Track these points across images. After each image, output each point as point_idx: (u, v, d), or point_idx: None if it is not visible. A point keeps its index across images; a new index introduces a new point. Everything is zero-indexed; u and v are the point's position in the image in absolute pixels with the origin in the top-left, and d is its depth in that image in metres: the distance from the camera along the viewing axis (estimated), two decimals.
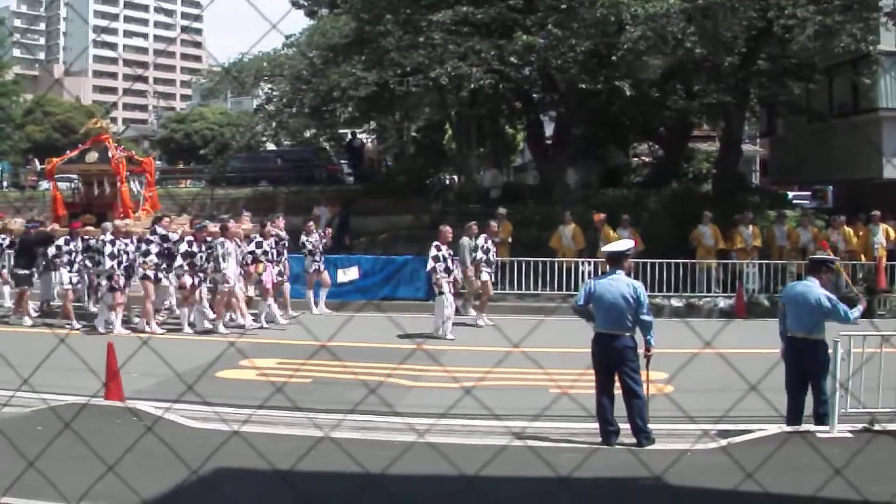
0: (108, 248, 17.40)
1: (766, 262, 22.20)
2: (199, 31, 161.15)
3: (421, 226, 27.34)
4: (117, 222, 18.41)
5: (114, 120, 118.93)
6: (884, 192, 24.92)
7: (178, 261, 17.62)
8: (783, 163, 34.17)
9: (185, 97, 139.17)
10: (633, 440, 9.30)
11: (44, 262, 19.05)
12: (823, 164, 29.07)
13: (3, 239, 19.71)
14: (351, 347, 14.78)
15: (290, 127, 39.11)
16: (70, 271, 18.38)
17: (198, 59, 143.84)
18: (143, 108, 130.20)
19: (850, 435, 9.41)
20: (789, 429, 9.56)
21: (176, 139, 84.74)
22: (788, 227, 23.24)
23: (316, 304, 20.55)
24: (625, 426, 9.43)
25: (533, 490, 8.01)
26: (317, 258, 20.43)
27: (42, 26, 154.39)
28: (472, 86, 24.50)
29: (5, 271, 19.77)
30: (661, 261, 21.21)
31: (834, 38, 22.43)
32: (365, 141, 48.21)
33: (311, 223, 21.05)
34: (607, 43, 22.83)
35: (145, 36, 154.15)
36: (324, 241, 20.74)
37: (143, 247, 17.75)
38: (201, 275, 17.69)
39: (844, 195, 31.76)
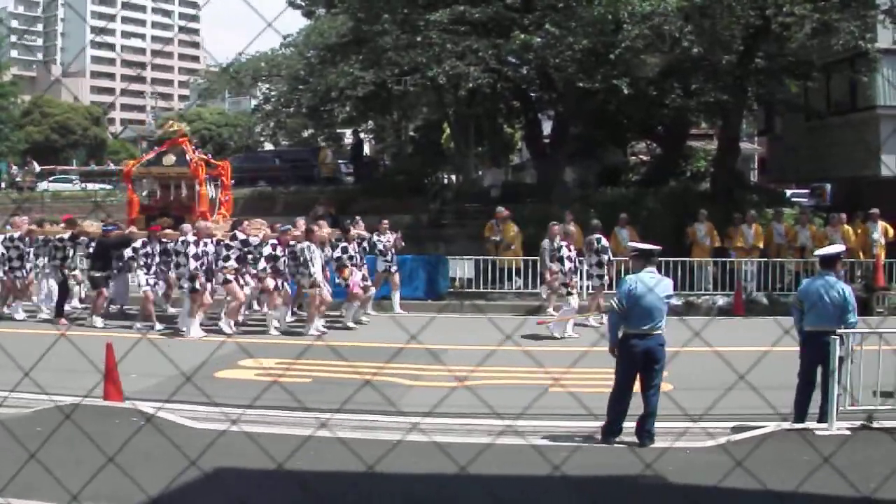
0: (191, 249, 17.18)
1: (765, 260, 22.23)
2: (196, 31, 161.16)
3: (419, 225, 27.37)
4: (201, 223, 18.11)
5: (111, 121, 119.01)
6: (882, 189, 24.92)
7: (262, 264, 17.57)
8: (781, 161, 34.16)
9: (182, 97, 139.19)
10: (633, 438, 9.32)
11: (119, 265, 18.96)
12: (821, 161, 29.06)
13: (80, 241, 19.44)
14: (353, 347, 14.83)
15: (288, 127, 39.23)
16: (146, 273, 18.20)
17: (196, 59, 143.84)
18: (141, 108, 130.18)
19: (848, 432, 9.43)
20: (788, 426, 9.58)
21: None
22: (786, 226, 23.28)
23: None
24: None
25: (532, 487, 8.02)
26: (388, 258, 20.21)
27: (39, 27, 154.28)
28: (470, 85, 24.54)
29: (77, 272, 19.50)
30: (659, 259, 21.18)
31: (832, 36, 22.42)
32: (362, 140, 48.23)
33: (386, 222, 20.88)
34: (605, 42, 22.83)
35: (143, 36, 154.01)
36: (396, 241, 20.51)
37: (224, 251, 17.63)
38: (283, 277, 17.76)
39: (843, 193, 31.76)
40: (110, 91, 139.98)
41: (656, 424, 9.44)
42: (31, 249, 19.78)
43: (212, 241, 17.64)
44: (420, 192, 32.01)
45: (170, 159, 20.66)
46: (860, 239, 22.33)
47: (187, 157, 20.55)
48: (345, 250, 18.23)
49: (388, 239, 20.27)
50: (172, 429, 9.34)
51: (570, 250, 17.54)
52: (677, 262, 21.57)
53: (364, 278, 18.95)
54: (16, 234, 19.52)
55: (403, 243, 21.18)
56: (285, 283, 17.95)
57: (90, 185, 49.32)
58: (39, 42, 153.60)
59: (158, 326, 17.91)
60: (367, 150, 52.52)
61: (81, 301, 20.59)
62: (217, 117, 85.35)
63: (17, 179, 48.90)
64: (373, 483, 7.71)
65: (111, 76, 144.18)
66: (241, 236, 17.98)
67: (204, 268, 17.28)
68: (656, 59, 24.64)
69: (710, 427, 9.51)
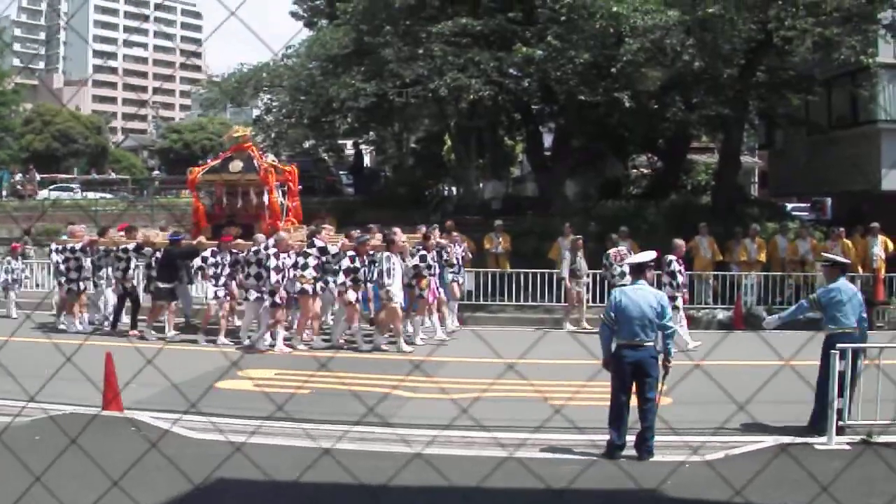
0: (272, 262, 16.57)
1: (765, 273, 22.23)
2: (198, 42, 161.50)
3: (420, 237, 27.34)
4: (281, 234, 17.43)
5: (113, 130, 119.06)
6: (882, 204, 24.92)
7: (341, 277, 16.92)
8: (782, 175, 34.22)
9: (184, 107, 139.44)
10: (632, 452, 9.28)
11: (182, 275, 18.52)
12: (822, 175, 29.09)
13: (144, 251, 18.81)
14: (350, 359, 14.83)
15: (289, 138, 39.21)
16: (215, 285, 17.63)
17: (198, 69, 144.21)
18: (143, 117, 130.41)
19: (847, 447, 9.42)
20: (787, 440, 9.57)
21: (175, 149, 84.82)
22: (788, 239, 23.27)
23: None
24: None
25: (539, 502, 7.99)
26: (456, 269, 19.71)
27: (42, 36, 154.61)
28: (472, 97, 24.56)
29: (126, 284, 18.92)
30: (659, 272, 21.13)
31: (833, 51, 22.50)
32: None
33: (456, 234, 20.51)
34: (606, 55, 22.87)
35: (145, 46, 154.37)
36: (464, 253, 20.23)
37: (301, 260, 16.97)
38: (363, 289, 17.12)
39: (843, 207, 31.79)
40: (112, 100, 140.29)
41: (659, 438, 9.40)
42: (91, 260, 19.15)
43: (288, 253, 16.98)
44: (421, 204, 31.96)
45: (236, 165, 19.87)
46: (860, 253, 22.31)
47: (255, 164, 19.80)
48: (423, 258, 17.56)
49: (458, 250, 19.94)
50: (171, 439, 9.33)
51: (679, 264, 17.42)
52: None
53: (438, 288, 18.47)
54: (77, 245, 19.06)
55: (471, 255, 21.10)
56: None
57: (91, 194, 49.34)
58: (42, 51, 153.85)
59: (223, 339, 17.39)
60: (367, 161, 52.59)
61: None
62: (219, 127, 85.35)
63: (19, 188, 48.92)
64: (377, 497, 7.69)
65: (113, 85, 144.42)
66: (319, 244, 17.32)
67: (285, 281, 16.77)
68: (658, 73, 24.64)
69: (709, 441, 9.49)
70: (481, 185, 34.72)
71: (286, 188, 20.82)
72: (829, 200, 38.38)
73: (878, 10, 23.04)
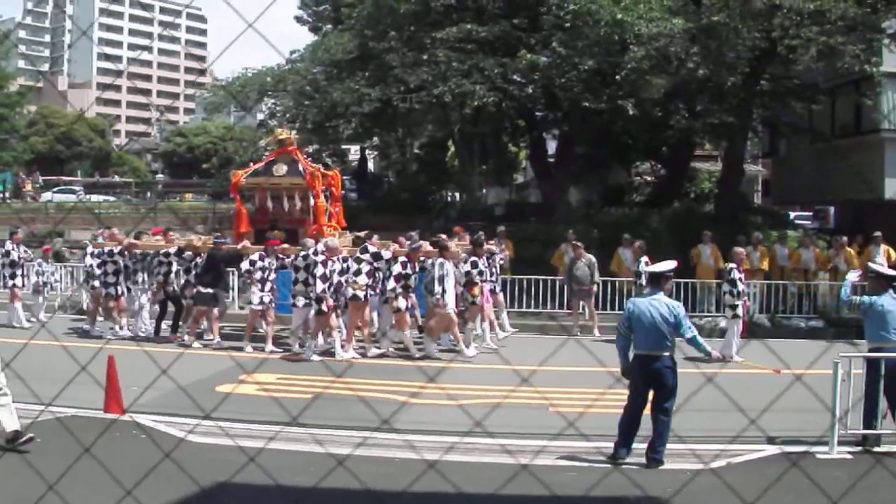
0: (319, 270, 16.06)
1: (768, 282, 22.20)
2: (203, 45, 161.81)
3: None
4: (331, 241, 16.83)
5: (117, 133, 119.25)
6: (885, 212, 24.91)
7: (391, 283, 16.39)
8: (785, 183, 34.21)
9: (188, 111, 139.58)
10: (636, 459, 9.25)
11: (223, 280, 18.14)
12: (825, 184, 29.09)
13: (185, 256, 18.30)
14: (356, 365, 14.83)
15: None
16: (261, 290, 17.12)
17: (202, 72, 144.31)
18: (147, 121, 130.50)
19: (849, 456, 9.41)
20: (789, 450, 9.55)
21: (179, 153, 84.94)
22: (789, 248, 23.25)
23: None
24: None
25: None
26: (493, 278, 19.26)
27: (47, 38, 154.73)
28: (476, 103, 24.65)
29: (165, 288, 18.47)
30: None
31: (837, 60, 22.50)
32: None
33: (494, 240, 20.28)
34: (611, 62, 22.92)
35: (150, 49, 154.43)
36: (501, 261, 20.04)
37: (354, 266, 16.57)
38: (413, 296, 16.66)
39: (846, 216, 31.78)
40: (116, 103, 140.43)
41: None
42: (129, 264, 18.64)
43: (337, 258, 16.57)
44: (424, 210, 32.03)
45: (280, 169, 19.47)
46: (862, 262, 22.26)
47: (300, 167, 19.45)
48: (475, 265, 17.07)
49: (501, 256, 19.81)
50: (172, 442, 9.33)
51: (739, 272, 17.38)
52: (680, 284, 21.51)
53: (493, 292, 18.30)
54: (115, 249, 18.62)
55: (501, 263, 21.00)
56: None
57: (94, 197, 49.47)
58: (46, 53, 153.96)
59: (248, 349, 17.01)
60: (371, 166, 52.66)
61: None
62: (222, 131, 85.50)
63: (24, 190, 49.07)
64: (383, 503, 7.68)
65: (117, 88, 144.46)
66: (372, 249, 16.90)
67: (332, 289, 16.29)
68: (662, 81, 24.66)
69: (712, 449, 9.48)
70: (484, 191, 34.80)
71: (329, 192, 20.38)
72: (832, 209, 38.38)
73: (883, 19, 23.10)
